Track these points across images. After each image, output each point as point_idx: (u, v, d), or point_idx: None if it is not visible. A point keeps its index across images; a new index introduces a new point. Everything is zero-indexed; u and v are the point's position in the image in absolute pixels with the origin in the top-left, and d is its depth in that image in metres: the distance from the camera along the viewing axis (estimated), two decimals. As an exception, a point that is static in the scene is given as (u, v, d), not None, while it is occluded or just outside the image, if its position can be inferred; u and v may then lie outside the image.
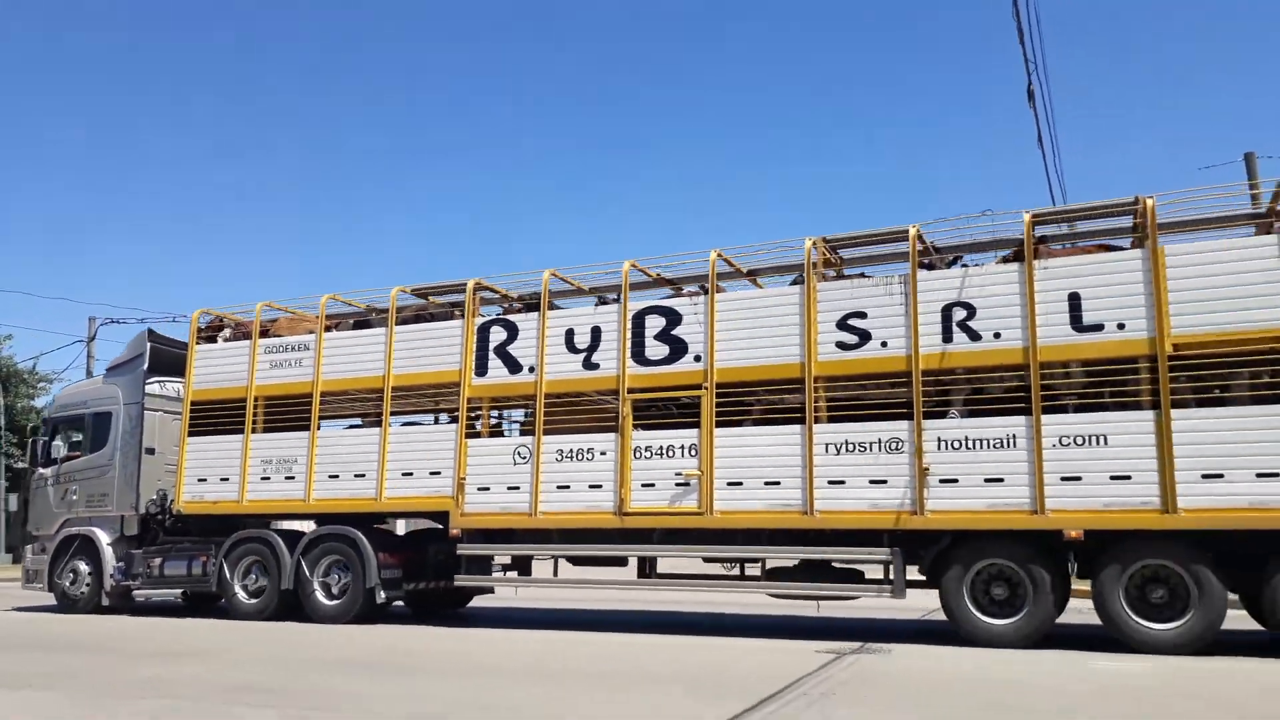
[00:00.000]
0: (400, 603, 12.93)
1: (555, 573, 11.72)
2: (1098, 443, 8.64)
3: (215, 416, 13.01)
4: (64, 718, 6.00)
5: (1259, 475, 8.09)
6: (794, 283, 10.55)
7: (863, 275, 10.29)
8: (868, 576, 9.80)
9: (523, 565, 12.33)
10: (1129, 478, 8.49)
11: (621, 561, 11.27)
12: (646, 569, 11.18)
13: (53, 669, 8.00)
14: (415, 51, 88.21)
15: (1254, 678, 7.27)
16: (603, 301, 11.52)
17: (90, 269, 69.43)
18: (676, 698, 6.56)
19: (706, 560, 10.79)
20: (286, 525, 12.94)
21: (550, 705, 6.30)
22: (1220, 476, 8.21)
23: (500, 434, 11.83)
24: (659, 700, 6.48)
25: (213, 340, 13.55)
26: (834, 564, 9.98)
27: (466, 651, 9.18)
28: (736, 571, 10.83)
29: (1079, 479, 8.65)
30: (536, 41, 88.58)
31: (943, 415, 9.38)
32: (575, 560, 11.58)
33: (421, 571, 12.03)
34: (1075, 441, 8.72)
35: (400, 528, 13.93)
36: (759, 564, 10.43)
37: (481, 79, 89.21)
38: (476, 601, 14.21)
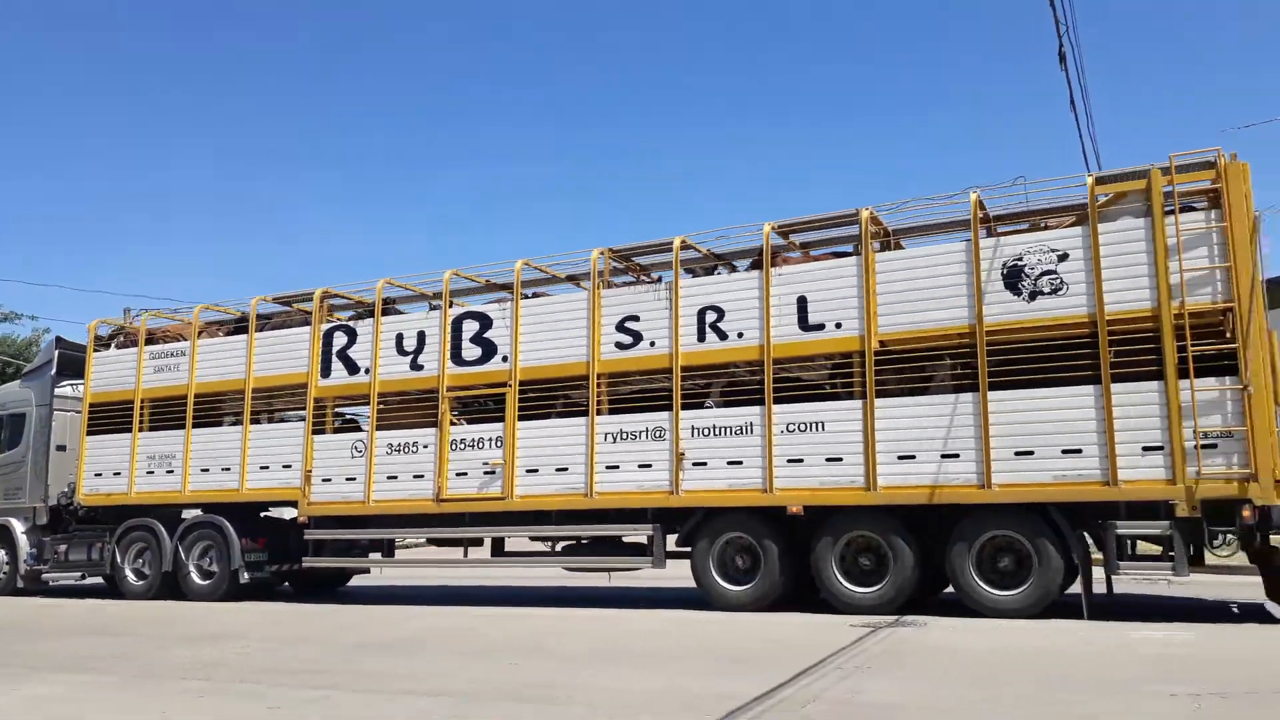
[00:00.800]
0: (286, 584, 14.26)
1: (390, 553, 13.03)
2: (817, 429, 9.75)
3: (109, 417, 14.32)
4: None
5: (943, 456, 9.19)
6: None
7: (651, 281, 11.38)
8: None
9: (385, 548, 13.63)
10: (841, 459, 9.60)
11: (478, 542, 12.48)
12: (497, 549, 12.36)
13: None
14: (416, 48, 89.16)
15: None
16: (434, 307, 12.67)
17: (124, 261, 71.50)
18: (712, 671, 6.56)
19: (533, 539, 11.97)
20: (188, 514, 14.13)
21: (585, 681, 6.35)
22: (912, 457, 9.31)
23: (345, 430, 13.01)
24: (694, 673, 6.49)
25: (108, 347, 14.86)
26: (624, 539, 11.16)
27: (472, 629, 9.51)
28: (557, 548, 11.98)
29: (801, 461, 9.77)
30: (537, 37, 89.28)
31: (699, 406, 10.50)
32: (438, 542, 12.83)
33: (286, 555, 13.29)
34: (799, 428, 9.83)
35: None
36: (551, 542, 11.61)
37: (479, 76, 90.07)
38: (355, 580, 15.51)
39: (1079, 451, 8.68)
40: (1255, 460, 8.08)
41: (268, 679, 6.73)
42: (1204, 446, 8.27)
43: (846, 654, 6.92)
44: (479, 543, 12.39)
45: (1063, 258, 8.98)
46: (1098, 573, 9.09)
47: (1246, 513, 8.06)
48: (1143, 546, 9.16)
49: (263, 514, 13.93)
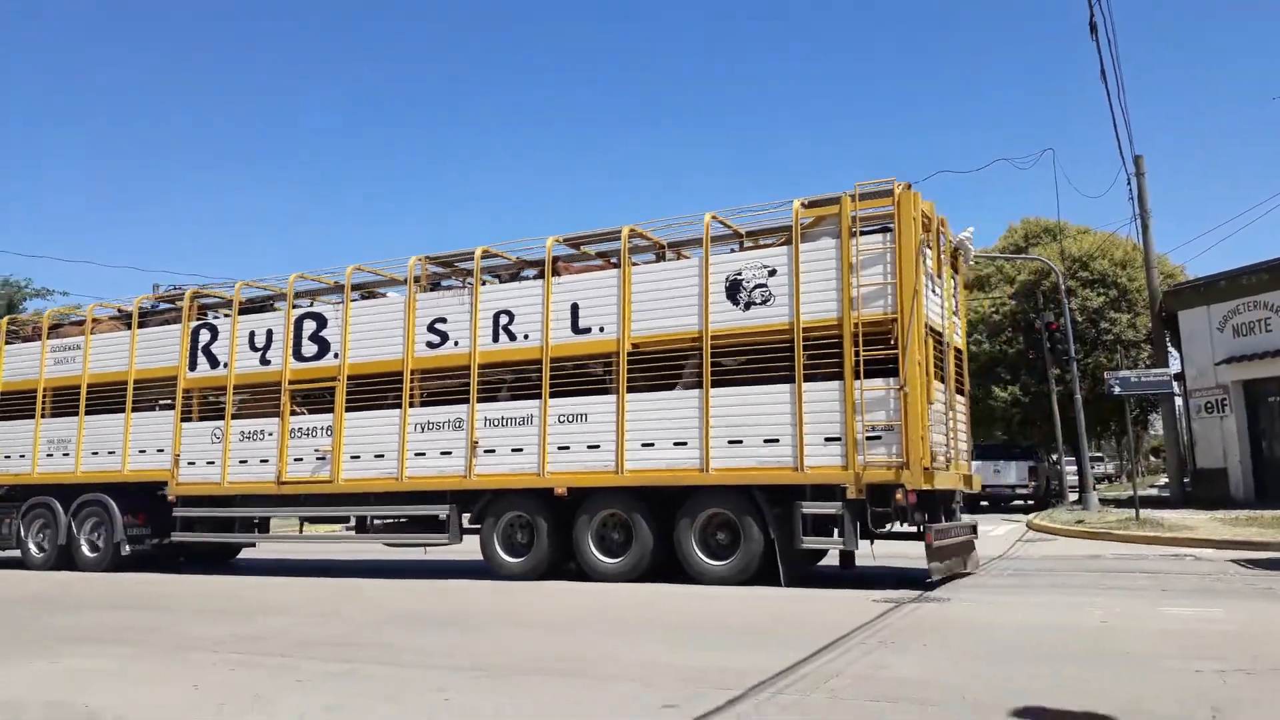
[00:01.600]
0: (183, 559, 15.76)
1: (265, 530, 14.52)
2: (581, 420, 11.11)
3: (18, 404, 15.87)
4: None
5: (675, 444, 10.53)
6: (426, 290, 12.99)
7: (458, 287, 12.73)
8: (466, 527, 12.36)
9: (263, 525, 15.09)
10: (599, 446, 10.95)
11: (344, 519, 13.96)
12: (362, 527, 13.72)
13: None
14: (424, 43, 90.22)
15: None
16: (297, 306, 14.05)
17: (154, 238, 73.52)
18: (734, 646, 6.71)
19: (375, 519, 13.34)
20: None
21: (608, 653, 6.52)
22: (652, 445, 10.66)
23: (208, 418, 14.43)
24: (716, 648, 6.64)
25: (20, 340, 16.40)
26: (439, 518, 12.54)
27: (497, 605, 9.51)
28: (374, 524, 13.21)
29: (568, 448, 11.13)
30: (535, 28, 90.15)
31: (494, 399, 11.86)
32: (309, 521, 14.29)
33: (167, 530, 14.77)
34: (569, 419, 11.19)
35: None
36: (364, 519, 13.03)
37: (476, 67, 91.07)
38: (244, 554, 17.03)
39: (777, 441, 10.01)
40: (908, 450, 9.39)
41: (299, 652, 6.77)
42: (870, 438, 9.58)
43: (869, 629, 7.03)
44: (342, 520, 13.87)
45: (772, 273, 10.28)
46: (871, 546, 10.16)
47: (899, 495, 9.37)
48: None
49: (160, 493, 15.41)
